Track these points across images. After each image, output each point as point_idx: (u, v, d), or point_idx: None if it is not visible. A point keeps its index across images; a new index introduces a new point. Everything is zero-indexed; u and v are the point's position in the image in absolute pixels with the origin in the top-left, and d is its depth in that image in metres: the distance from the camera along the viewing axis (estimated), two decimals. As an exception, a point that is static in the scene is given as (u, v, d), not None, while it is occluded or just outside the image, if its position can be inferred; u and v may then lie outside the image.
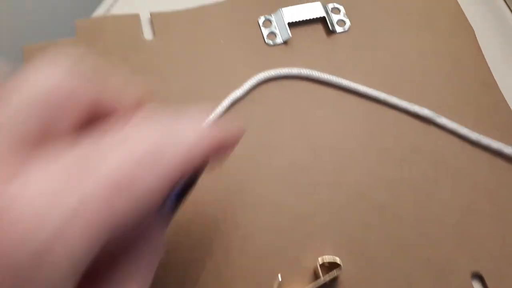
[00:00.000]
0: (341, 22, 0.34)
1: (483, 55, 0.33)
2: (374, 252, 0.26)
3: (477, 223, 0.27)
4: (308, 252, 0.26)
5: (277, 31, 0.33)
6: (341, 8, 0.34)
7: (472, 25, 0.34)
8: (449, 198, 0.28)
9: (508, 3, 0.36)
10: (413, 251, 0.26)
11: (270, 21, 0.33)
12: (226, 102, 0.30)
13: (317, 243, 0.26)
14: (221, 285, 0.25)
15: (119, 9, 0.33)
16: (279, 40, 0.32)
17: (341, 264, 0.25)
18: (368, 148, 0.29)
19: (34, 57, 0.30)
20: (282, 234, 0.26)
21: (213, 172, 0.28)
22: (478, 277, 0.26)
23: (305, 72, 0.31)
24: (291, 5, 0.33)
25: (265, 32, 0.33)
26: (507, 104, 0.31)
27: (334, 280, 0.25)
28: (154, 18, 0.33)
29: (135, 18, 0.33)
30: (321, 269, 0.25)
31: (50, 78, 0.15)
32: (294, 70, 0.31)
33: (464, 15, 0.35)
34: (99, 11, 0.33)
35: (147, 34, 0.32)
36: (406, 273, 0.26)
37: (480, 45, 0.34)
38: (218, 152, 0.17)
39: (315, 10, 0.33)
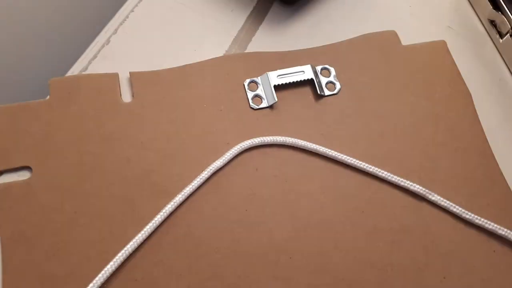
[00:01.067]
0: (330, 85, 0.33)
1: (480, 123, 0.33)
2: None
3: (469, 313, 0.27)
4: None
5: (263, 95, 0.32)
6: (332, 70, 0.33)
7: (470, 90, 0.34)
8: (440, 285, 0.27)
9: (509, 66, 0.36)
10: None
11: (256, 83, 0.32)
12: (204, 174, 0.29)
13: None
14: None
15: (97, 66, 0.33)
16: (264, 104, 0.32)
17: None
18: (356, 226, 0.29)
19: (1, 118, 0.30)
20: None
21: (185, 254, 0.27)
22: None
23: (290, 141, 0.30)
24: (280, 68, 0.33)
25: (250, 95, 0.32)
26: (504, 178, 0.31)
27: None
28: (134, 78, 0.32)
29: (113, 77, 0.32)
30: None
31: None
32: (279, 139, 0.30)
33: (462, 80, 0.34)
34: (76, 68, 0.33)
35: (126, 95, 0.32)
36: None
37: (478, 112, 0.33)
38: None
39: (303, 73, 0.33)
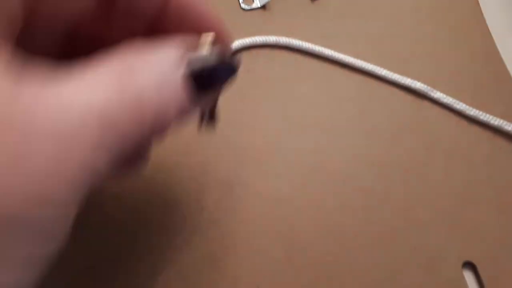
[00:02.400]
0: (327, -16, 0.32)
1: (485, 21, 0.32)
2: (354, 238, 0.25)
3: (471, 208, 0.26)
4: (279, 240, 0.25)
5: (254, -6, 0.31)
6: (328, -32, 0.32)
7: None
8: (442, 180, 0.27)
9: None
10: (399, 238, 0.25)
11: (246, -18, 0.31)
12: None
13: (292, 227, 0.25)
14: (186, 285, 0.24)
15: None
16: (256, 4, 0.31)
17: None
18: (354, 125, 0.28)
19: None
20: (250, 221, 0.25)
21: (172, 152, 0.27)
22: (471, 265, 0.25)
23: (284, 41, 0.29)
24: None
25: (240, -5, 0.31)
26: (510, 76, 0.30)
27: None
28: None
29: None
30: None
31: None
32: (272, 38, 0.29)
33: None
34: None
35: None
36: (390, 261, 0.25)
37: (482, 9, 0.32)
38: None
39: (297, -29, 0.31)
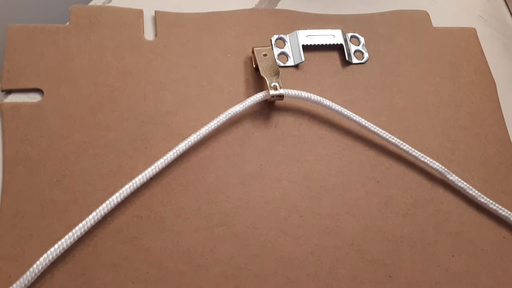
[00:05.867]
0: (358, 54, 0.33)
1: (501, 113, 0.33)
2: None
3: (473, 294, 0.27)
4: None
5: (289, 53, 0.32)
6: (361, 39, 0.34)
7: (495, 80, 0.35)
8: (447, 262, 0.28)
9: (534, 60, 0.37)
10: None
11: (283, 40, 0.33)
12: (222, 117, 0.28)
13: (301, 293, 0.26)
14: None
15: (120, 0, 0.33)
16: (290, 62, 0.32)
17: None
18: (371, 195, 0.29)
19: (17, 38, 0.29)
20: (263, 278, 0.26)
21: (195, 197, 0.27)
22: None
23: (316, 99, 0.30)
24: (310, 29, 0.33)
25: (276, 52, 0.32)
26: (520, 169, 0.32)
27: None
28: (159, 17, 0.32)
29: (138, 14, 0.32)
30: None
31: None
32: (304, 94, 0.30)
33: (489, 68, 0.35)
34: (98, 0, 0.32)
35: (148, 33, 0.32)
36: None
37: (500, 102, 0.34)
38: None
39: (333, 37, 0.33)
